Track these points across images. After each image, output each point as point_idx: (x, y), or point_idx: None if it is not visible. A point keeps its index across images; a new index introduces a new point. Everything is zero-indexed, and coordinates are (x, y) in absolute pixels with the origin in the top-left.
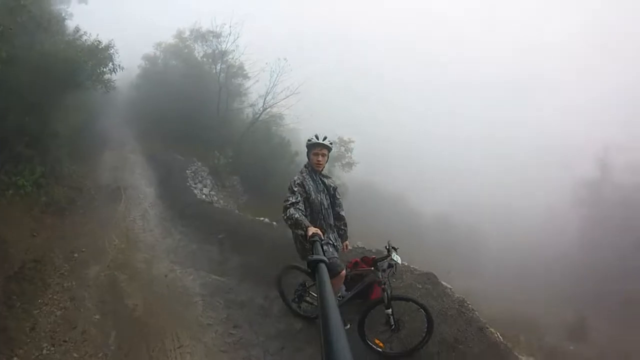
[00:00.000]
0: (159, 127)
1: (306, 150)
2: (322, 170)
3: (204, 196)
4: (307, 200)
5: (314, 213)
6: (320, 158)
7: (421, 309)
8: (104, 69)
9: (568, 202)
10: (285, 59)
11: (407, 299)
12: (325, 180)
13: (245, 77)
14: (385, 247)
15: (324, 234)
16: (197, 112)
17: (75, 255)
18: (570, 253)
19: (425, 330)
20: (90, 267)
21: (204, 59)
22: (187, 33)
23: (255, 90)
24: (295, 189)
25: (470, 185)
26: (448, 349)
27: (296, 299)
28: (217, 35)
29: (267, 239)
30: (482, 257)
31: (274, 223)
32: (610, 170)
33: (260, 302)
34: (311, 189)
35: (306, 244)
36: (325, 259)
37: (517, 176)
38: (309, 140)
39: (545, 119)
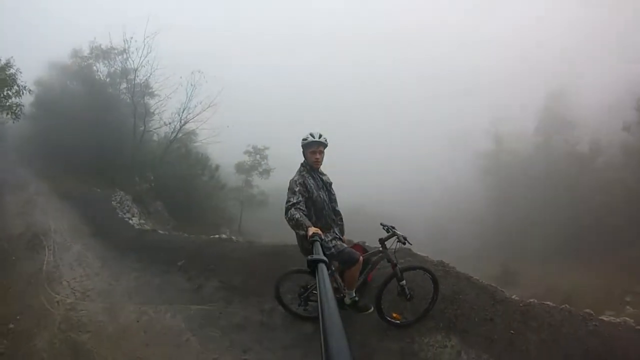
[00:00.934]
0: (67, 162)
1: (302, 149)
2: (319, 167)
3: (139, 226)
4: (310, 199)
5: (318, 211)
6: (317, 156)
7: (427, 273)
8: (9, 92)
9: (473, 174)
10: (200, 71)
11: (415, 268)
12: (323, 177)
13: (155, 95)
14: (384, 228)
15: (330, 230)
16: (110, 138)
17: (11, 326)
18: (482, 215)
19: (432, 291)
20: (35, 335)
21: (110, 79)
22: (87, 51)
23: (171, 106)
24: (297, 189)
25: (382, 175)
26: (452, 301)
27: (302, 302)
28: (121, 52)
29: (234, 255)
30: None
31: (234, 238)
32: (501, 140)
33: (258, 318)
34: (312, 188)
35: (307, 245)
36: (325, 259)
37: (427, 161)
38: (303, 140)
39: (445, 103)
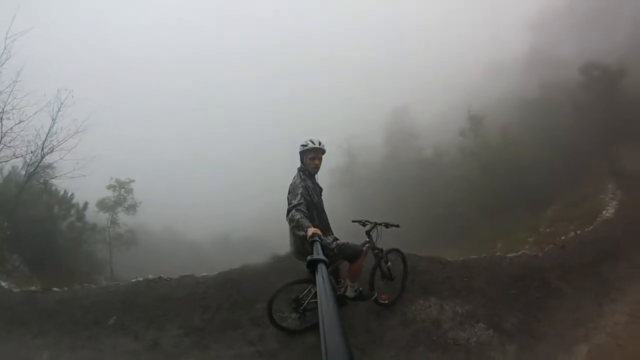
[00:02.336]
0: None
1: (300, 155)
2: (317, 172)
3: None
4: (311, 202)
5: (319, 213)
6: (317, 162)
7: (399, 254)
8: None
9: (332, 189)
10: (67, 89)
11: (392, 250)
12: (318, 183)
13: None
14: (361, 223)
15: (329, 232)
16: None
17: None
18: (346, 226)
19: (403, 268)
20: None
21: None
22: None
23: (28, 132)
24: (299, 192)
25: (245, 200)
26: (415, 273)
27: (301, 313)
28: None
29: (179, 293)
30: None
31: (164, 276)
32: (354, 155)
33: (253, 350)
34: (311, 192)
35: (307, 245)
36: (325, 259)
37: (284, 180)
38: (303, 146)
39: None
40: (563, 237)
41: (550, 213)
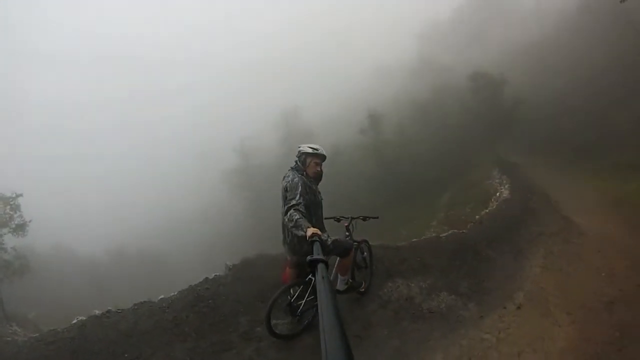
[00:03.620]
0: None
1: (303, 156)
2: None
3: None
4: (309, 201)
5: (318, 211)
6: (319, 168)
7: (367, 244)
8: None
9: (226, 190)
10: None
11: (363, 240)
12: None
13: None
14: (336, 219)
15: (324, 231)
16: None
17: None
18: (238, 226)
19: (369, 257)
20: None
21: None
22: None
23: None
24: (299, 191)
25: (140, 210)
26: (376, 260)
27: (298, 316)
28: None
29: (148, 328)
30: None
31: (119, 309)
32: (248, 156)
33: None
34: (309, 190)
35: (306, 245)
36: (325, 259)
37: (173, 180)
38: (314, 149)
39: (178, 118)
40: (477, 216)
41: (446, 199)
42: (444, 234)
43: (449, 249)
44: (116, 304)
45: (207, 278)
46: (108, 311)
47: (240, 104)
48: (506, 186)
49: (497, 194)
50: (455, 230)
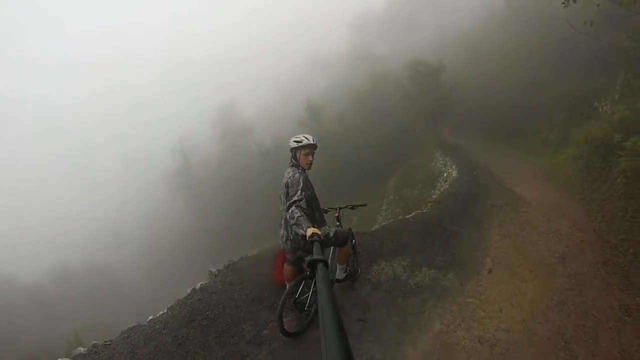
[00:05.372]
0: None
1: (293, 152)
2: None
3: None
4: (313, 197)
5: (317, 205)
6: (311, 158)
7: (350, 231)
8: None
9: (168, 193)
10: None
11: (349, 228)
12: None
13: None
14: (325, 210)
15: (324, 223)
16: None
17: None
18: (186, 227)
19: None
20: None
21: None
22: None
23: None
24: (300, 187)
25: (67, 225)
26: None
27: (307, 310)
28: None
29: (149, 354)
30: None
31: (107, 341)
32: (188, 155)
33: None
34: (310, 187)
35: (306, 245)
36: (325, 259)
37: (109, 190)
38: (297, 142)
39: (112, 119)
40: (434, 196)
41: (393, 183)
42: (410, 215)
43: (419, 228)
44: (75, 329)
45: (194, 289)
46: (94, 346)
47: (175, 103)
48: (453, 167)
49: (445, 174)
50: (419, 211)
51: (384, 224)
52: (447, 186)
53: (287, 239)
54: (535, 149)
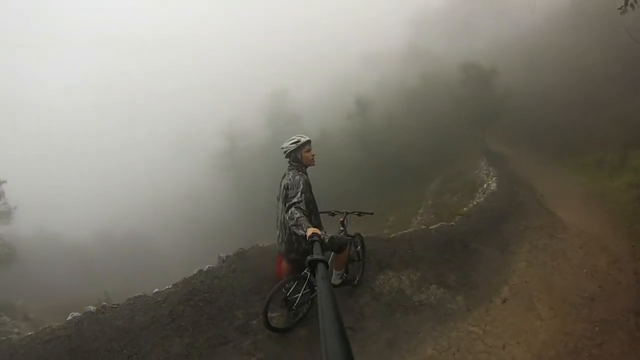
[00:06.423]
0: None
1: (292, 153)
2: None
3: None
4: (312, 200)
5: (314, 207)
6: (313, 154)
7: (360, 237)
8: None
9: (211, 174)
10: None
11: (356, 234)
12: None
13: None
14: (331, 213)
15: (321, 226)
16: None
17: None
18: (225, 209)
19: (362, 250)
20: None
21: None
22: None
23: None
24: (300, 189)
25: (116, 193)
26: (368, 252)
27: (294, 310)
28: None
29: (145, 323)
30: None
31: (114, 305)
32: (235, 138)
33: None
34: (309, 189)
35: (304, 245)
36: (325, 259)
37: (156, 166)
38: (295, 143)
39: (163, 99)
40: (465, 209)
41: (434, 187)
42: (434, 226)
43: (438, 242)
44: (105, 290)
45: (201, 270)
46: (103, 307)
47: (226, 87)
48: (493, 178)
49: (485, 185)
50: (444, 223)
51: (404, 232)
52: (482, 199)
53: (282, 241)
54: (587, 170)
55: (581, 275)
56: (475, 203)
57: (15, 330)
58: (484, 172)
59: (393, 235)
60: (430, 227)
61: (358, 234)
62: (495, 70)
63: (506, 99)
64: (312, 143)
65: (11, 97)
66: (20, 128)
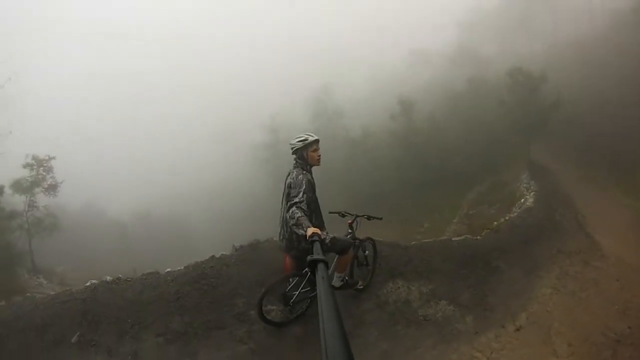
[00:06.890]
0: None
1: (298, 151)
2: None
3: None
4: (314, 200)
5: (316, 208)
6: (319, 154)
7: (371, 241)
8: None
9: (253, 165)
10: None
11: (367, 239)
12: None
13: None
14: (340, 215)
15: (323, 226)
16: None
17: None
18: (261, 199)
19: (374, 254)
20: None
21: None
22: None
23: None
24: (303, 189)
25: (159, 177)
26: (380, 258)
27: (290, 305)
28: None
29: (152, 299)
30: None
31: (129, 278)
32: (278, 131)
33: (244, 348)
34: (313, 187)
35: (306, 245)
36: (325, 259)
37: (203, 156)
38: (302, 141)
39: (207, 89)
40: (495, 223)
41: (472, 195)
42: (457, 238)
43: (459, 255)
44: (135, 267)
45: (213, 256)
46: (118, 278)
47: (270, 81)
48: (531, 193)
49: (522, 199)
50: (469, 236)
51: (424, 241)
52: (515, 214)
53: (283, 238)
54: (639, 191)
55: (611, 312)
56: (507, 218)
57: (50, 292)
58: (525, 185)
59: (413, 243)
60: (453, 239)
61: (369, 239)
62: (545, 76)
63: (556, 106)
64: (353, 142)
65: (64, 85)
66: (73, 113)
